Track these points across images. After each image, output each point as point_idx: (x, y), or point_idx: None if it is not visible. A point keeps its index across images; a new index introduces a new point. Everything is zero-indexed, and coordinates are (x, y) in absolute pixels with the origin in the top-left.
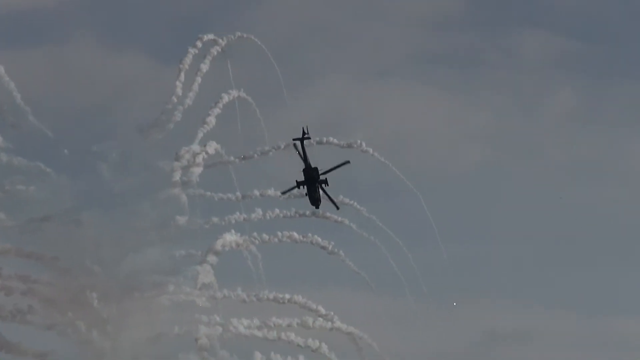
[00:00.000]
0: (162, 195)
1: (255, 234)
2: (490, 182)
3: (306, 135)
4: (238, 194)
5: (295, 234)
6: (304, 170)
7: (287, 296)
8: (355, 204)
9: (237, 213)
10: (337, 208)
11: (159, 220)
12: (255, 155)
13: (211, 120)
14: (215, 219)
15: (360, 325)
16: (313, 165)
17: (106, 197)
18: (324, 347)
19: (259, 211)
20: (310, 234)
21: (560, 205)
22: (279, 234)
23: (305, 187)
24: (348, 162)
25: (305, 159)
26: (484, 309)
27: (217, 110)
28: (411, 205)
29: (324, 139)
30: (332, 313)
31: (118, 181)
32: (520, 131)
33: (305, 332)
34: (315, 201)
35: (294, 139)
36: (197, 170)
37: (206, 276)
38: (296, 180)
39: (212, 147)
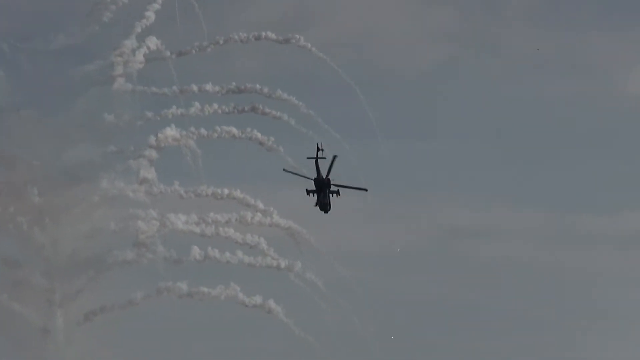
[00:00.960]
0: (101, 89)
1: (192, 128)
2: (452, 79)
3: (320, 151)
4: (175, 88)
5: (234, 130)
6: (315, 179)
7: (226, 192)
8: (294, 99)
9: (174, 107)
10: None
11: (97, 115)
12: (194, 51)
13: (150, 15)
14: (150, 114)
15: (299, 221)
16: (326, 177)
17: (43, 92)
18: (263, 243)
19: (197, 105)
20: (249, 129)
21: (524, 102)
22: (218, 129)
23: (315, 194)
24: (336, 156)
25: (318, 172)
26: (442, 206)
27: (156, 6)
28: (350, 101)
29: (262, 34)
30: (271, 208)
31: (54, 75)
32: (483, 28)
33: (244, 227)
34: (324, 206)
35: (308, 157)
36: (138, 65)
37: (146, 171)
38: (306, 189)
39: (153, 42)
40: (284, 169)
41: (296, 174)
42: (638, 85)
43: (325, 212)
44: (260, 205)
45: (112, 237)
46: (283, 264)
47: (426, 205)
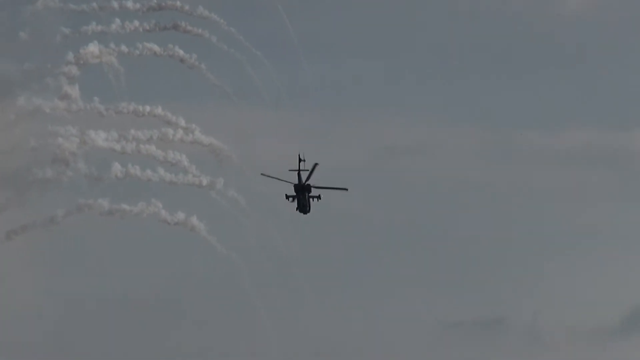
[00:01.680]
0: (17, 7)
1: (112, 44)
2: None
3: (302, 162)
4: (94, 5)
5: (156, 47)
6: (295, 185)
7: (147, 109)
8: (215, 16)
9: (94, 24)
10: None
11: (13, 32)
12: None
13: None
14: (68, 31)
15: (221, 138)
16: (306, 183)
17: None
18: (184, 160)
19: (118, 22)
20: (171, 46)
21: (462, 17)
22: (139, 46)
23: (294, 199)
24: (317, 164)
25: (299, 179)
26: (377, 124)
27: None
28: (273, 20)
29: None
30: (192, 126)
31: None
32: None
33: (165, 145)
34: (303, 208)
35: (290, 170)
36: None
37: (68, 88)
38: (286, 194)
39: None
40: (261, 174)
41: (275, 178)
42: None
43: (304, 214)
44: (182, 123)
45: (32, 155)
46: (205, 181)
47: (360, 123)
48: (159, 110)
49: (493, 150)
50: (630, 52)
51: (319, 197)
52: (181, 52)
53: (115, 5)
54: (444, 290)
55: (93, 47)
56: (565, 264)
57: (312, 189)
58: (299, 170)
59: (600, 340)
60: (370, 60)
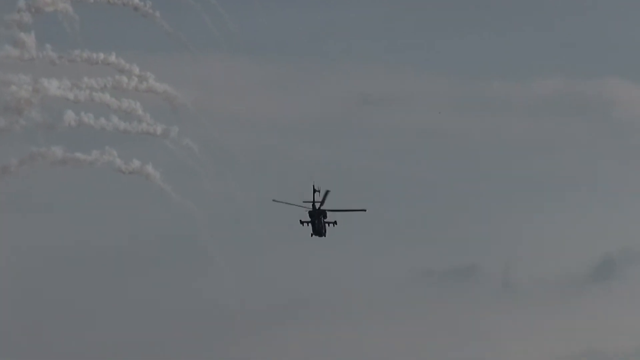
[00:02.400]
0: None
1: None
2: None
3: (316, 192)
4: None
5: None
6: (310, 212)
7: (101, 56)
8: None
9: None
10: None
11: None
12: None
13: None
14: None
15: (176, 86)
16: (319, 209)
17: None
18: (139, 108)
19: None
20: None
21: None
22: None
23: (309, 224)
24: (328, 191)
25: (314, 206)
26: (349, 73)
27: None
28: None
29: None
30: (147, 73)
31: None
32: None
33: (119, 93)
34: (319, 231)
35: (304, 201)
36: None
37: (24, 36)
38: (300, 220)
39: None
40: (273, 200)
41: (287, 203)
42: None
43: (320, 236)
44: (136, 71)
45: None
46: (159, 130)
47: (332, 72)
48: (112, 58)
49: (465, 100)
50: (600, 1)
51: (335, 223)
52: (135, 0)
53: None
54: (416, 239)
55: None
56: (536, 213)
57: (330, 212)
58: (314, 200)
59: (571, 289)
60: (343, 10)
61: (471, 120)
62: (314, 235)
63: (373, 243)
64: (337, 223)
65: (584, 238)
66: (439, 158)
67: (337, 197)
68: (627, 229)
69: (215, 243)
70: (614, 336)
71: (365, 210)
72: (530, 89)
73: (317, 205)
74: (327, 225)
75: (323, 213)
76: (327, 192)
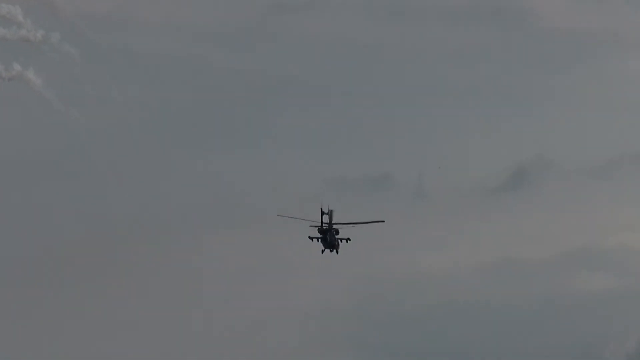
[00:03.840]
0: None
1: None
2: None
3: (325, 215)
4: None
5: None
6: (319, 228)
7: None
8: None
9: None
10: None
11: None
12: None
13: None
14: None
15: None
16: (329, 226)
17: None
18: (19, 13)
19: None
20: None
21: None
22: None
23: (319, 240)
24: (332, 210)
25: (322, 224)
26: None
27: None
28: None
29: None
30: None
31: None
32: None
33: None
34: (332, 245)
35: (311, 225)
36: None
37: None
38: (309, 236)
39: None
40: (278, 214)
41: (293, 217)
42: None
43: (332, 250)
44: None
45: None
46: (39, 35)
47: None
48: None
49: (380, 10)
50: None
51: (348, 240)
52: None
53: None
54: (330, 146)
55: None
56: (450, 123)
57: (346, 225)
58: (322, 222)
59: (484, 197)
60: None
61: (386, 30)
62: (325, 250)
63: (284, 149)
64: (350, 240)
65: (498, 147)
66: (354, 65)
67: (251, 101)
68: (540, 138)
69: (99, 150)
70: (529, 244)
71: (383, 222)
72: None
73: (325, 226)
74: (340, 241)
75: (335, 230)
76: (331, 212)
